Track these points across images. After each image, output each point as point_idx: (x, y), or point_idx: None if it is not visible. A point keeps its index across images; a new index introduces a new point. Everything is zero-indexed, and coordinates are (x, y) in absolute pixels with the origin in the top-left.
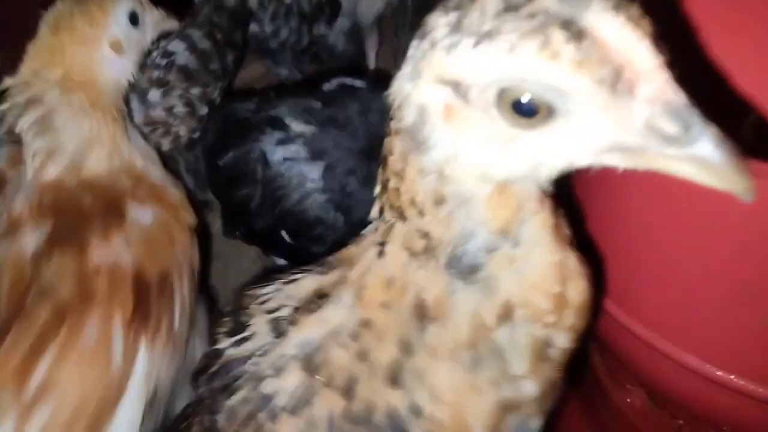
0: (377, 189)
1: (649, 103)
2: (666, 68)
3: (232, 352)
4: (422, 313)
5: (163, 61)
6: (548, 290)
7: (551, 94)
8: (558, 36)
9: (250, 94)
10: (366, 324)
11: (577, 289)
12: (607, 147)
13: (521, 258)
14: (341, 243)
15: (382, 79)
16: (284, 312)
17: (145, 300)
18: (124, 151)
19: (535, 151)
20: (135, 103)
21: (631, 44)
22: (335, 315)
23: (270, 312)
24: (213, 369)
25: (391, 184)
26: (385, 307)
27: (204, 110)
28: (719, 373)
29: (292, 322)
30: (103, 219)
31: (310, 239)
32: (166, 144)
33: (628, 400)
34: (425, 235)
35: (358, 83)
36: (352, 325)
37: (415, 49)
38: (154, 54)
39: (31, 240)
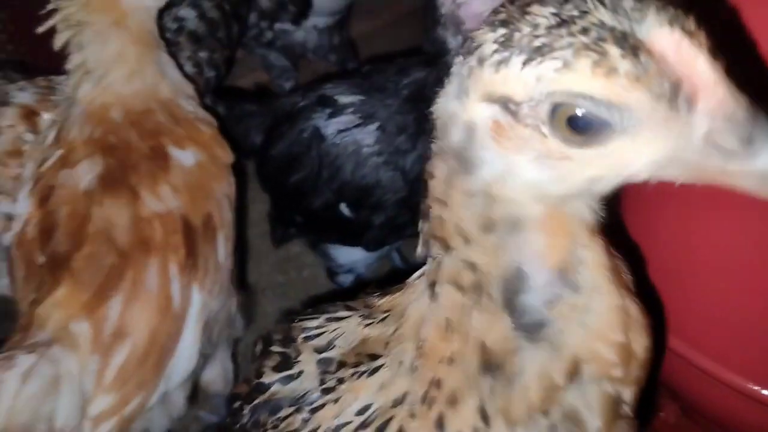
0: (420, 222)
1: (709, 118)
2: (725, 80)
3: (278, 389)
4: (488, 363)
5: (174, 25)
6: (613, 341)
7: (608, 110)
8: (613, 51)
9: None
10: (436, 384)
11: (641, 342)
12: (665, 162)
13: (583, 307)
14: (402, 203)
15: None
16: (332, 353)
17: (193, 244)
18: (147, 74)
19: (591, 168)
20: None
21: (689, 58)
22: (398, 382)
23: (318, 351)
24: (257, 401)
25: (434, 212)
26: (450, 363)
27: (211, 73)
28: (757, 388)
29: (341, 380)
30: (150, 164)
31: (371, 207)
32: None
33: (662, 414)
34: (472, 267)
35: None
36: (421, 390)
37: (460, 66)
38: (165, 19)
39: (84, 176)
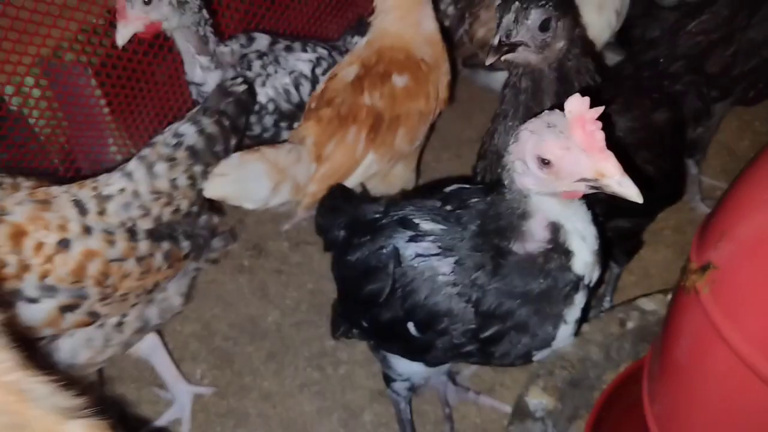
0: None
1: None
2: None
3: None
4: None
5: (173, 141)
6: None
7: None
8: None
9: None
10: None
11: None
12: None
13: None
14: (471, 335)
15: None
16: None
17: (378, 128)
18: (408, 21)
19: None
20: (141, 173)
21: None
22: None
23: None
24: None
25: None
26: None
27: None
28: None
29: None
30: (378, 78)
31: (437, 332)
32: (166, 214)
33: None
34: None
35: (474, 187)
36: None
37: None
38: (165, 133)
39: (349, 75)
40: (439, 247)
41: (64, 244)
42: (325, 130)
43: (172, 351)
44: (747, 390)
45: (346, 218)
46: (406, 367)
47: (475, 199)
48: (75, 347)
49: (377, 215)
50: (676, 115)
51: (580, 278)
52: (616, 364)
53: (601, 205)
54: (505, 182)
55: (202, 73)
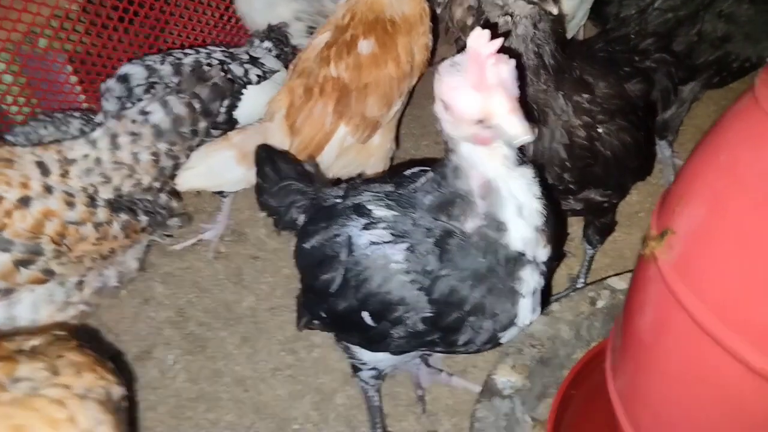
0: None
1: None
2: None
3: None
4: None
5: (140, 118)
6: None
7: None
8: None
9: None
10: None
11: None
12: None
13: None
14: (428, 322)
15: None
16: None
17: (346, 100)
18: None
19: None
20: (105, 142)
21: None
22: None
23: None
24: None
25: None
26: None
27: (167, 162)
28: None
29: None
30: (344, 47)
31: (391, 321)
32: (127, 185)
33: None
34: None
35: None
36: None
37: None
38: (131, 110)
39: (322, 41)
40: (392, 234)
41: (24, 201)
42: (295, 103)
43: (145, 337)
44: (704, 357)
45: (305, 201)
46: (370, 356)
47: (427, 179)
48: (36, 302)
49: (337, 200)
50: (648, 89)
51: (521, 254)
52: (587, 342)
53: (572, 173)
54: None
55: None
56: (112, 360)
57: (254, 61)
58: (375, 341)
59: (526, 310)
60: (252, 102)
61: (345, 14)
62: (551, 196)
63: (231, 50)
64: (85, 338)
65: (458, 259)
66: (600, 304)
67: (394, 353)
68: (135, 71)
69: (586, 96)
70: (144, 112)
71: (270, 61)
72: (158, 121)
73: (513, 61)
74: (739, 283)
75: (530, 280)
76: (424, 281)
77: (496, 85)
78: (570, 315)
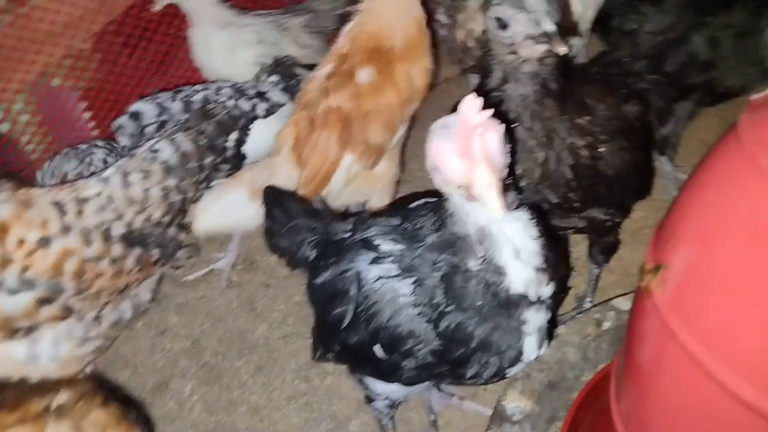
0: None
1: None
2: None
3: None
4: None
5: (149, 156)
6: None
7: None
8: None
9: (348, 216)
10: None
11: None
12: None
13: None
14: (437, 355)
15: None
16: None
17: (349, 129)
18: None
19: None
20: (117, 180)
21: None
22: None
23: None
24: None
25: None
26: None
27: (176, 197)
28: None
29: None
30: (344, 76)
31: (402, 354)
32: (139, 221)
33: None
34: None
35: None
36: None
37: None
38: (141, 149)
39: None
40: (399, 268)
41: (44, 242)
42: (301, 135)
43: (161, 369)
44: (699, 389)
45: (315, 237)
46: (383, 387)
47: (431, 215)
48: (57, 338)
49: (345, 234)
50: (643, 110)
51: (522, 296)
52: (594, 364)
53: (576, 192)
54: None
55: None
56: (132, 402)
57: (261, 95)
58: (387, 373)
59: (532, 346)
60: (260, 136)
61: (345, 43)
62: (551, 234)
63: (238, 85)
64: (108, 387)
65: (463, 295)
66: (606, 325)
67: (406, 384)
68: (146, 109)
69: (587, 118)
70: (153, 150)
71: (276, 95)
72: (167, 158)
73: (502, 128)
74: (730, 319)
75: (535, 318)
76: (432, 314)
77: (480, 156)
78: (577, 338)
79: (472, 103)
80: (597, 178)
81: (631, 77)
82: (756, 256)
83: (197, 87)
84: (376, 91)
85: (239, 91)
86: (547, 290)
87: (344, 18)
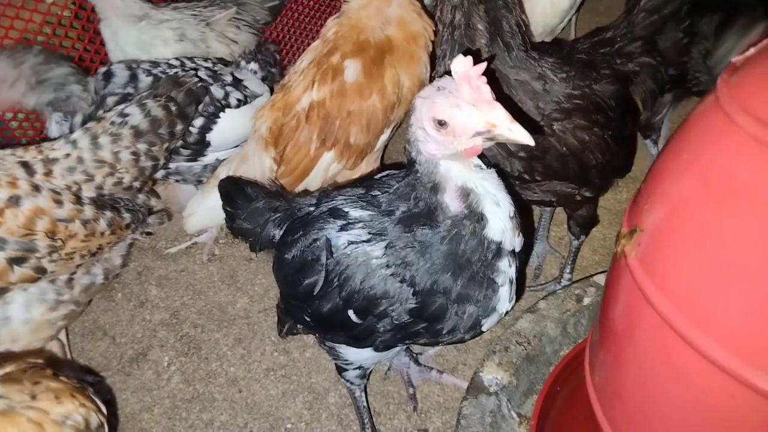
0: None
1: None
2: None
3: None
4: None
5: (118, 120)
6: None
7: None
8: None
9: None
10: None
11: None
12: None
13: None
14: (414, 313)
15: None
16: None
17: (330, 127)
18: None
19: None
20: (85, 142)
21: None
22: None
23: None
24: None
25: None
26: None
27: (147, 163)
28: None
29: None
30: (330, 71)
31: (377, 315)
32: (109, 184)
33: None
34: None
35: (398, 172)
36: None
37: None
38: (111, 113)
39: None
40: (369, 233)
41: (14, 200)
42: (278, 120)
43: (140, 340)
44: (670, 352)
45: (279, 215)
46: (355, 355)
47: (396, 183)
48: (29, 301)
49: (311, 208)
50: (621, 90)
51: (498, 244)
52: (573, 339)
53: (540, 163)
54: (414, 156)
55: (58, 127)
56: (92, 383)
57: (238, 83)
58: (361, 338)
59: (504, 297)
60: (228, 126)
61: (331, 29)
62: (514, 190)
63: (216, 69)
64: (60, 367)
65: (439, 250)
66: (586, 301)
67: (379, 349)
68: (119, 73)
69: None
70: (123, 114)
71: (254, 85)
72: (137, 122)
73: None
74: (701, 278)
75: (507, 270)
76: (405, 274)
77: (492, 100)
78: (556, 312)
79: (464, 60)
80: (543, 152)
81: (621, 57)
82: (729, 214)
83: (173, 62)
84: (360, 92)
85: (215, 75)
86: (518, 242)
87: (277, 11)
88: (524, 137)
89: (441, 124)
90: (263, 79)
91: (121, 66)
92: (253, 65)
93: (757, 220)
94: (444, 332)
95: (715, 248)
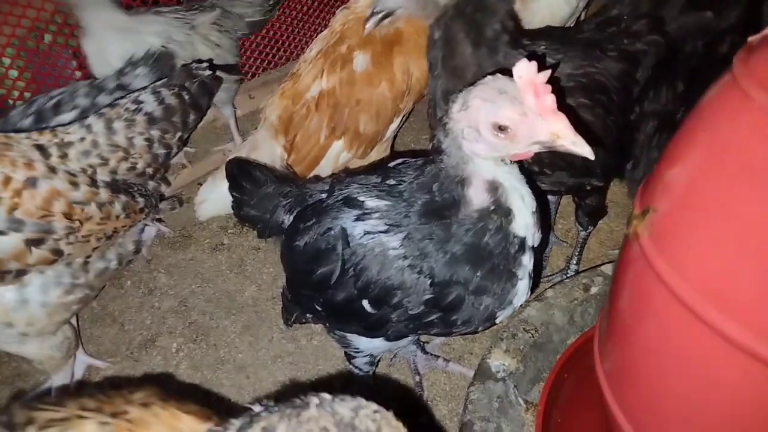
0: None
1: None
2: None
3: None
4: None
5: (133, 106)
6: None
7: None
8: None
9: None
10: None
11: None
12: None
13: None
14: (430, 304)
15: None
16: None
17: (339, 116)
18: None
19: None
20: (100, 126)
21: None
22: None
23: None
24: None
25: None
26: None
27: (160, 150)
28: None
29: None
30: (340, 60)
31: (391, 306)
32: (123, 169)
33: None
34: None
35: (414, 161)
36: None
37: None
38: (125, 100)
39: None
40: (386, 224)
41: (31, 182)
42: (288, 108)
43: (149, 326)
44: (685, 331)
45: (288, 201)
46: (366, 344)
47: (415, 172)
48: (46, 284)
49: (323, 195)
50: (628, 69)
51: (522, 239)
52: (580, 328)
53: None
54: (447, 148)
55: None
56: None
57: (123, 88)
58: (374, 327)
59: (522, 291)
60: None
61: (339, 20)
62: (535, 185)
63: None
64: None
65: (462, 242)
66: (594, 290)
67: (391, 339)
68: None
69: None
70: (137, 102)
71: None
72: (151, 109)
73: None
74: (715, 255)
75: (528, 264)
76: (423, 265)
77: (556, 110)
78: (564, 301)
79: (529, 66)
80: None
81: (629, 37)
82: (744, 189)
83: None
84: (370, 81)
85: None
86: (537, 237)
87: (258, 25)
88: (586, 151)
89: (501, 128)
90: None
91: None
92: (140, 69)
93: None
94: (459, 323)
95: (730, 224)
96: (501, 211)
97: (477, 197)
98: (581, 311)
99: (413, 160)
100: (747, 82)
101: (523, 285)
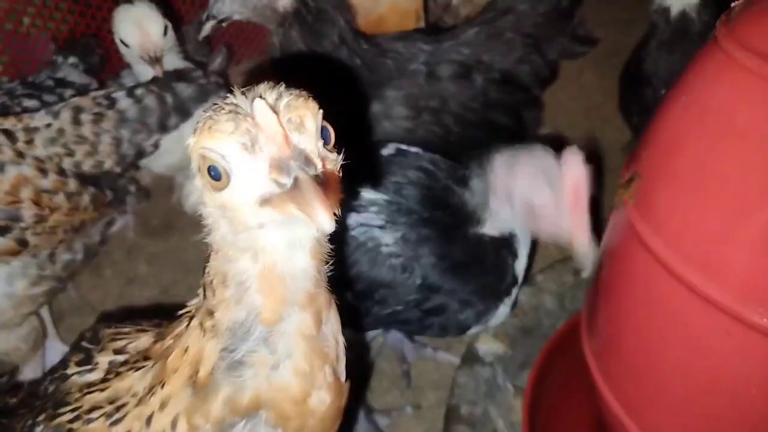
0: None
1: (269, 160)
2: (282, 131)
3: (75, 379)
4: (194, 381)
5: (105, 101)
6: (292, 399)
7: (219, 157)
8: (222, 117)
9: None
10: (161, 386)
11: (321, 401)
12: (258, 200)
13: (273, 364)
14: (414, 304)
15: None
16: (122, 357)
17: None
18: None
19: (226, 208)
20: (67, 114)
21: (263, 118)
22: (145, 377)
23: (116, 352)
24: (56, 375)
25: (210, 262)
26: (174, 372)
27: (130, 151)
28: None
29: (118, 373)
30: None
31: (376, 301)
32: (88, 164)
33: None
34: (211, 314)
35: (413, 148)
36: (150, 386)
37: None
38: (97, 92)
39: None
40: (383, 219)
41: None
42: None
43: (129, 317)
44: (668, 296)
45: None
46: None
47: (417, 174)
48: (12, 275)
49: None
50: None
51: (516, 279)
52: (571, 313)
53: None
54: (475, 186)
55: None
56: None
57: (60, 82)
58: (350, 318)
59: (501, 315)
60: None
61: None
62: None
63: (30, 79)
64: None
65: (463, 254)
66: (585, 274)
67: (360, 330)
68: None
69: None
70: (109, 98)
71: (75, 76)
72: (125, 107)
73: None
74: (697, 218)
75: (514, 295)
76: (414, 267)
77: (586, 211)
78: (554, 285)
79: (580, 165)
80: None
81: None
82: (726, 150)
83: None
84: None
85: (33, 86)
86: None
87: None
88: (588, 263)
89: (529, 204)
90: (87, 71)
91: None
92: (72, 59)
93: (755, 153)
94: (435, 326)
95: (710, 185)
96: (511, 251)
97: (491, 231)
98: (571, 296)
99: (407, 150)
100: (727, 42)
101: (503, 310)
